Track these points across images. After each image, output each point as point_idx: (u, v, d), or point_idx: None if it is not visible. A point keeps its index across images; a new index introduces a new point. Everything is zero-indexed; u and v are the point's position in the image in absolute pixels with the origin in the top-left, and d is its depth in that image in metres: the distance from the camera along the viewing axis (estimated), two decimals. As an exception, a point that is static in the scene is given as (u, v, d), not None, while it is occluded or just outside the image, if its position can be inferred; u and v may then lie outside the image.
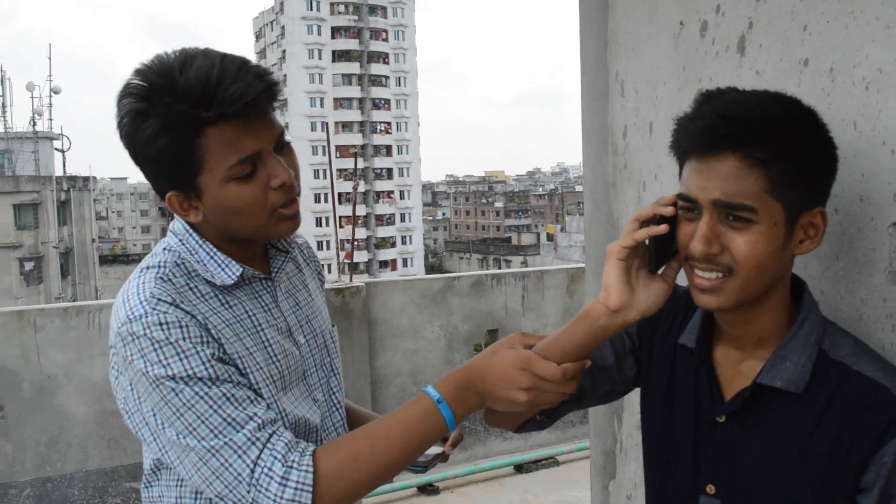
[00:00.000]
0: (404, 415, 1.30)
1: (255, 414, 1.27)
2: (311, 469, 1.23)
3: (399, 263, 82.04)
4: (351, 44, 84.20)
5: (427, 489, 5.33)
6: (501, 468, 5.68)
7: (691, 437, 1.28)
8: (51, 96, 36.09)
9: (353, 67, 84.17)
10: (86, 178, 36.54)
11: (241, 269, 1.39)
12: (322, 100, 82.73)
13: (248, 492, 1.24)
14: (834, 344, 1.17)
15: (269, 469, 1.23)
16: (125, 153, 1.35)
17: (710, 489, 1.24)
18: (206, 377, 1.26)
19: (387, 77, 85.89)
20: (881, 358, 1.16)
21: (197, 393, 1.25)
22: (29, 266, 31.64)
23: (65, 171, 35.54)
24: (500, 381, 1.26)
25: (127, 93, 1.29)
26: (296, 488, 1.22)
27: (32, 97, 34.84)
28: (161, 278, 1.33)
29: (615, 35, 1.90)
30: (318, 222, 74.15)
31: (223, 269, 1.38)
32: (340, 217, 77.35)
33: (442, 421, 1.29)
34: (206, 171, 1.29)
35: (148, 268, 1.37)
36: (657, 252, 1.22)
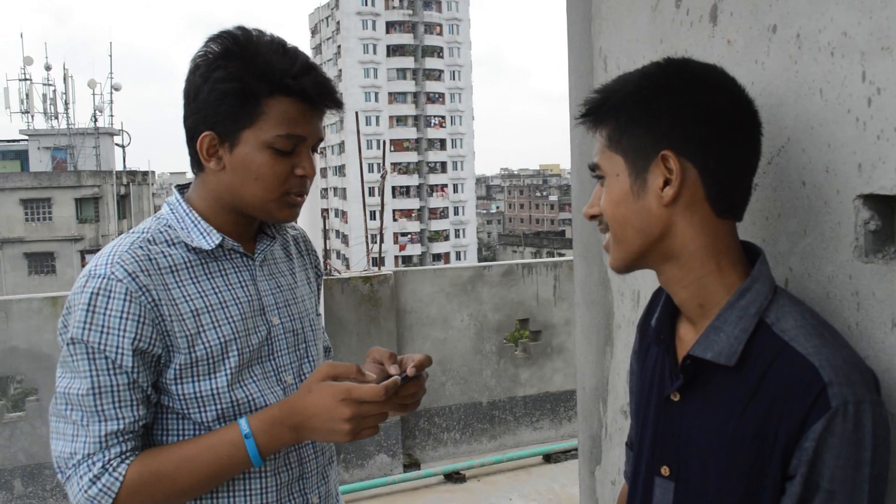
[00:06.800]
0: (215, 441, 1.39)
1: (123, 417, 1.35)
2: (121, 478, 1.33)
3: (452, 256, 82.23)
4: (405, 38, 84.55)
5: (453, 477, 5.34)
6: (530, 458, 5.66)
7: (653, 417, 1.24)
8: (111, 93, 37.22)
9: (408, 62, 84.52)
10: (145, 173, 37.50)
11: (221, 238, 1.45)
12: (377, 94, 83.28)
13: (66, 471, 1.35)
14: (780, 317, 1.08)
15: (92, 464, 1.34)
16: (183, 146, 1.47)
17: (665, 471, 1.20)
18: (112, 359, 1.34)
19: (441, 71, 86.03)
20: (827, 334, 1.07)
21: (92, 370, 1.34)
22: (90, 258, 32.60)
23: (125, 166, 36.57)
24: (320, 415, 1.34)
25: (220, 36, 1.41)
26: (100, 489, 1.33)
27: (94, 94, 35.94)
28: (138, 244, 1.40)
29: (598, 10, 1.86)
30: (373, 216, 74.86)
31: (204, 236, 1.44)
32: (395, 210, 77.86)
33: (247, 455, 1.37)
34: (255, 129, 1.39)
35: (133, 232, 1.45)
36: None
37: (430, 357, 1.48)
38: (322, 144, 1.59)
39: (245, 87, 1.37)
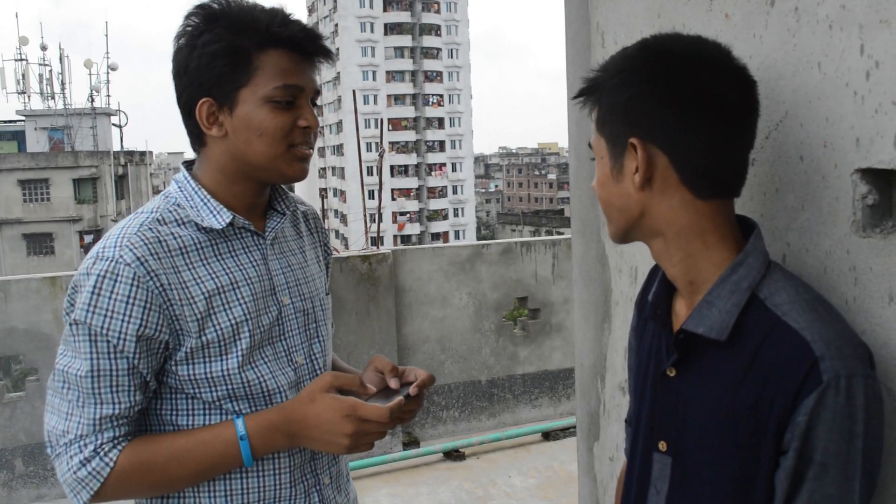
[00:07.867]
0: (209, 438, 1.39)
1: (119, 402, 1.35)
2: (111, 464, 1.34)
3: (451, 235, 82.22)
4: (403, 16, 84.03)
5: (453, 455, 5.37)
6: (529, 435, 5.69)
7: (651, 392, 1.25)
8: (108, 73, 37.03)
9: (406, 40, 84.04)
10: (143, 153, 37.45)
11: (232, 217, 1.42)
12: (374, 73, 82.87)
13: (57, 448, 1.36)
14: (773, 291, 1.08)
15: (84, 446, 1.34)
16: (180, 125, 1.46)
17: (662, 446, 1.20)
18: (113, 343, 1.32)
19: (439, 49, 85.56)
20: (821, 308, 1.06)
21: (93, 352, 1.33)
22: (89, 239, 32.69)
23: (122, 146, 36.51)
24: (321, 426, 1.36)
25: (198, 7, 1.40)
26: (89, 472, 1.33)
27: (90, 74, 35.77)
28: (147, 226, 1.37)
29: (596, -16, 1.84)
30: (371, 195, 74.47)
31: (214, 215, 1.42)
32: (393, 189, 77.73)
33: (239, 456, 1.38)
34: (251, 86, 1.38)
35: (142, 212, 1.43)
36: None
37: (433, 376, 1.49)
38: (319, 124, 1.57)
39: (234, 44, 1.36)
